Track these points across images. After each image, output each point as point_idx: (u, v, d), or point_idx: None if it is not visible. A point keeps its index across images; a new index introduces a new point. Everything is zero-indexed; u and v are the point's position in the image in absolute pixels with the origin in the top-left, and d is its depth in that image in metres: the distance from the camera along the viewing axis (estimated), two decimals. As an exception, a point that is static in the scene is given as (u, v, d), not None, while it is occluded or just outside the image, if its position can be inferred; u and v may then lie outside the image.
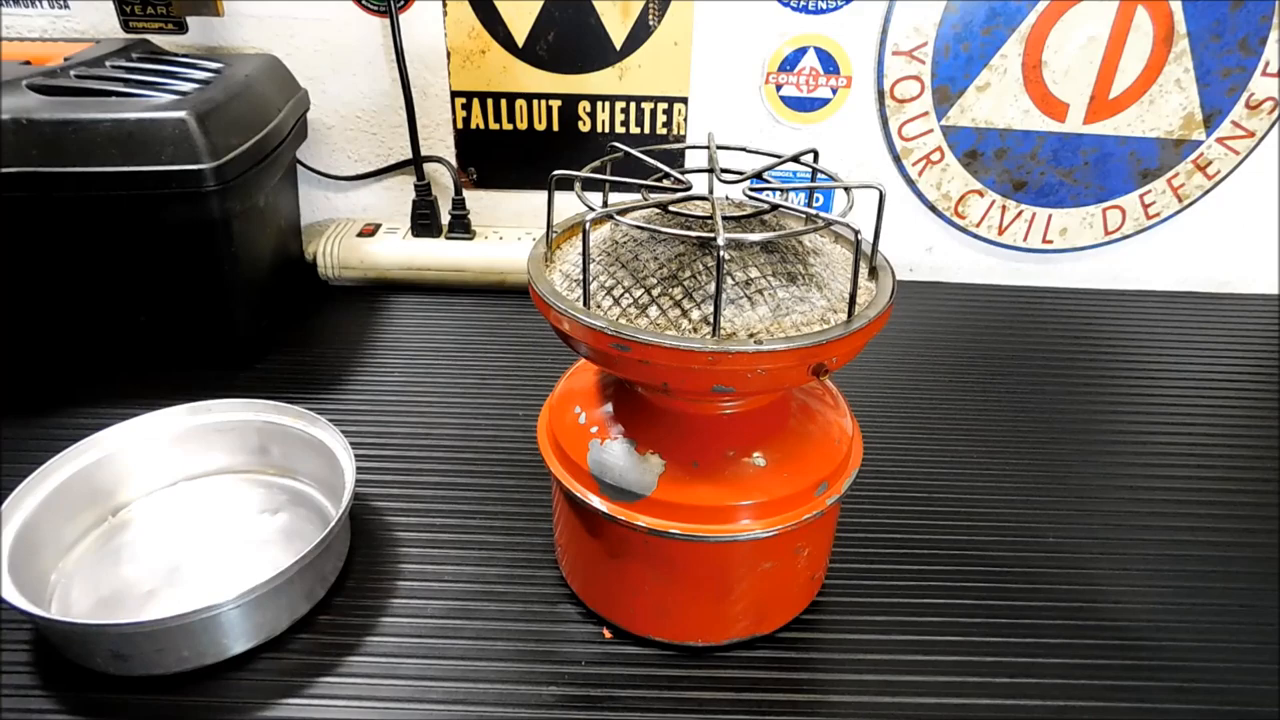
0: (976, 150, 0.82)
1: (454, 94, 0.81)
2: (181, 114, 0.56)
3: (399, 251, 0.81)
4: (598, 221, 0.40)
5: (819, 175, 0.43)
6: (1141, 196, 0.85)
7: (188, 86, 0.62)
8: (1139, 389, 0.70)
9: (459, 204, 0.82)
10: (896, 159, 0.83)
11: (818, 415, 0.44)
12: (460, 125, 0.83)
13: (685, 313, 0.36)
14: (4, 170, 0.55)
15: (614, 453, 0.41)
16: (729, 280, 0.36)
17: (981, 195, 0.85)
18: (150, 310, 0.64)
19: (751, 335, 0.35)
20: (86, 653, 0.42)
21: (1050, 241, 0.87)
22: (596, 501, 0.41)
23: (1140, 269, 0.89)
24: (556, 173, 0.40)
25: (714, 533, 0.40)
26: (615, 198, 0.42)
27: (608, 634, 0.46)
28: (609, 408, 0.43)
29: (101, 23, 0.77)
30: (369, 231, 0.83)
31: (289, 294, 0.78)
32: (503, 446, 0.60)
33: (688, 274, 0.37)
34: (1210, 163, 0.83)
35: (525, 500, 0.55)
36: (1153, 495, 0.58)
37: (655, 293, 0.36)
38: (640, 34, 0.78)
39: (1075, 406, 0.67)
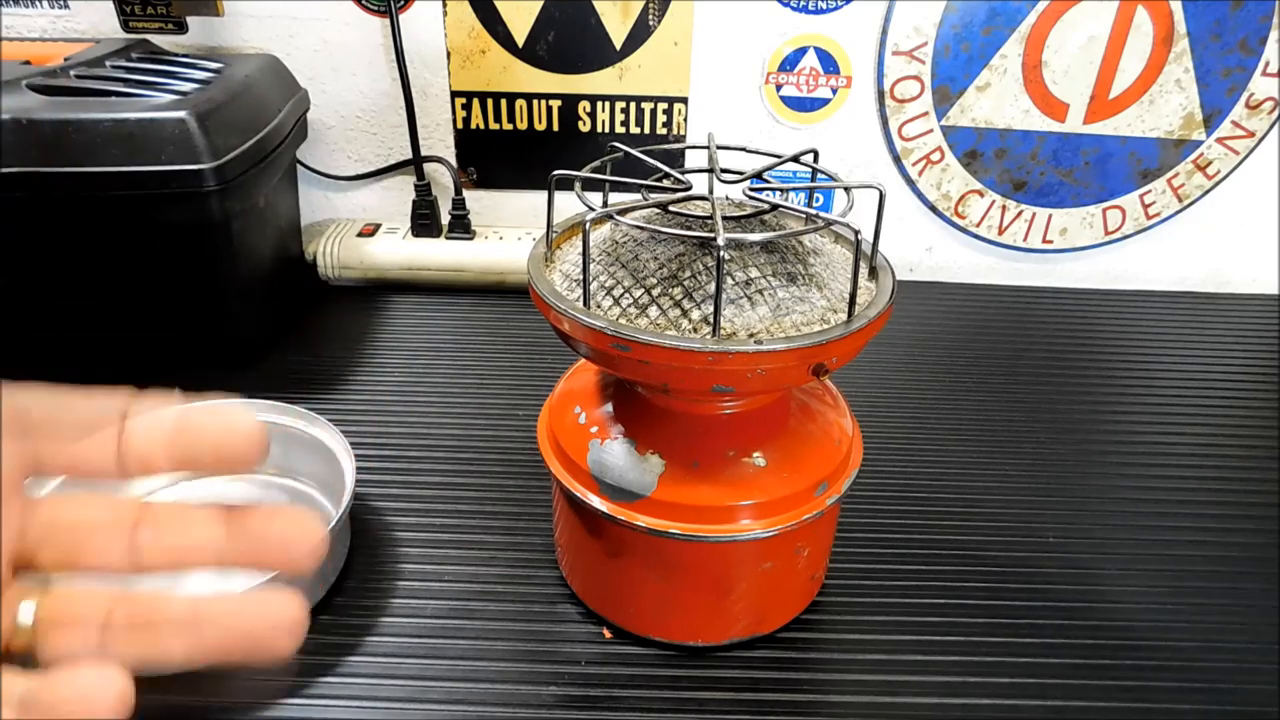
0: (976, 150, 0.82)
1: (454, 94, 0.81)
2: (181, 114, 0.56)
3: (399, 251, 0.81)
4: (598, 221, 0.40)
5: (819, 175, 0.43)
6: (1141, 196, 0.85)
7: (188, 86, 0.62)
8: (1139, 389, 0.70)
9: (459, 204, 0.82)
10: (896, 159, 0.83)
11: (818, 415, 0.44)
12: (460, 125, 0.83)
13: (685, 313, 0.36)
14: (4, 170, 0.55)
15: (614, 453, 0.41)
16: (729, 280, 0.36)
17: (981, 195, 0.85)
18: (150, 310, 0.64)
19: (751, 335, 0.35)
20: (86, 653, 0.42)
21: (1050, 241, 0.87)
22: (596, 501, 0.41)
23: (1140, 269, 0.89)
24: (556, 173, 0.40)
25: (714, 533, 0.40)
26: (615, 198, 0.42)
27: (608, 634, 0.46)
28: (609, 408, 0.43)
29: (101, 23, 0.77)
30: (369, 231, 0.83)
31: (289, 294, 0.78)
32: (503, 446, 0.60)
33: (688, 274, 0.37)
34: (1210, 163, 0.83)
35: (525, 500, 0.55)
36: (1153, 495, 0.58)
37: (655, 293, 0.36)
38: (640, 34, 0.78)
39: (1075, 406, 0.67)
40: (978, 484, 0.58)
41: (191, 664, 0.21)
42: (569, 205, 0.43)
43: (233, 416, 0.22)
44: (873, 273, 0.40)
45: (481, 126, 0.83)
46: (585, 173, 0.41)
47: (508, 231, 0.84)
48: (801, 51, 0.79)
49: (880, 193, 0.38)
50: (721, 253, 0.33)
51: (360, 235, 0.82)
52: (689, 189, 0.41)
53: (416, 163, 0.81)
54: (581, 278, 0.36)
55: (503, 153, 0.84)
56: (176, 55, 0.72)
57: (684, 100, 0.81)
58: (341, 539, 0.49)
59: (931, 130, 0.81)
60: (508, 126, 0.83)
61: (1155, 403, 0.68)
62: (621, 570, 0.43)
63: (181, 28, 0.77)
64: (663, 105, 0.82)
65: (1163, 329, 0.80)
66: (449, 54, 0.79)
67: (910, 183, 0.84)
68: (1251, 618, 0.48)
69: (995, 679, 0.44)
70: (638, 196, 0.40)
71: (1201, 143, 0.82)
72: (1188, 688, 0.44)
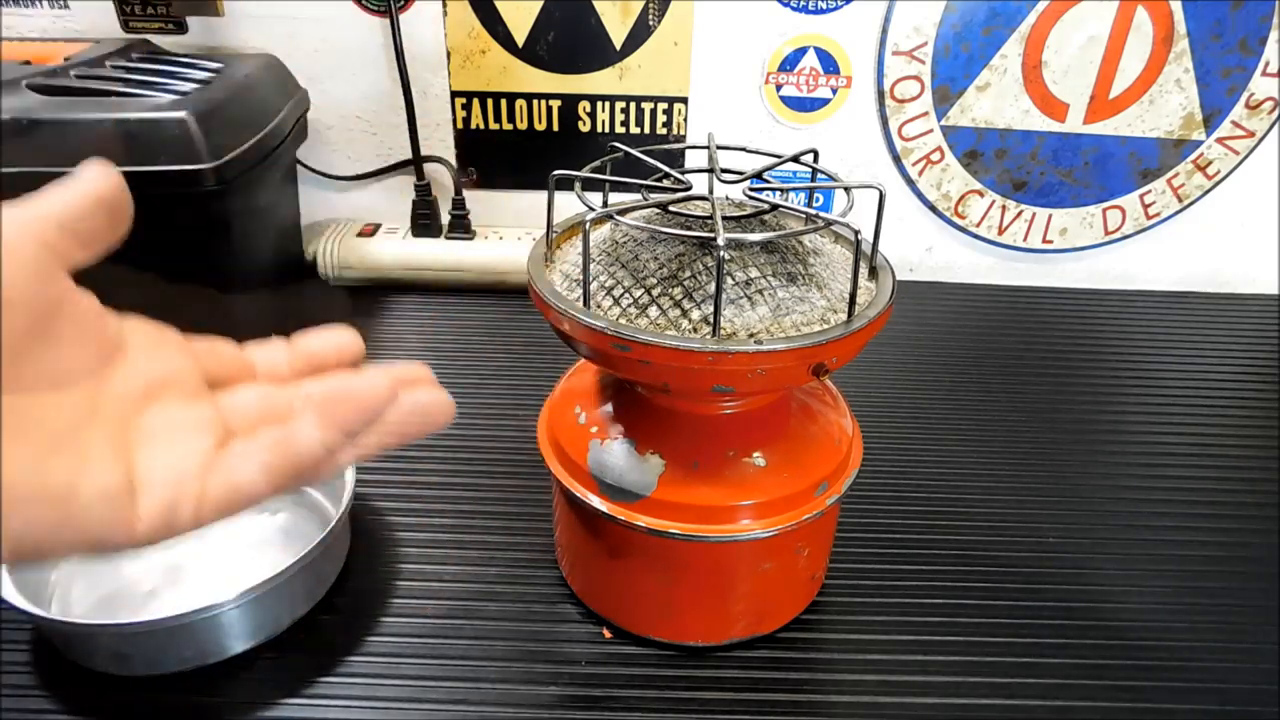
0: (976, 150, 0.82)
1: (454, 94, 0.81)
2: (181, 114, 0.56)
3: (399, 251, 0.81)
4: (598, 221, 0.40)
5: (819, 175, 0.43)
6: (1141, 196, 0.85)
7: (188, 86, 0.62)
8: (1139, 389, 0.70)
9: (459, 204, 0.82)
10: (896, 159, 0.83)
11: (818, 415, 0.44)
12: (460, 125, 0.83)
13: (685, 313, 0.36)
14: (4, 170, 0.54)
15: (614, 453, 0.41)
16: (729, 280, 0.36)
17: (981, 195, 0.85)
18: (149, 311, 0.64)
19: (751, 335, 0.35)
20: (87, 653, 0.42)
21: (1050, 241, 0.87)
22: (596, 501, 0.41)
23: (1140, 269, 0.89)
24: (556, 173, 0.40)
25: (714, 533, 0.40)
26: (615, 198, 0.42)
27: (608, 634, 0.46)
28: (609, 408, 0.43)
29: (101, 23, 0.77)
30: (369, 232, 0.83)
31: (289, 294, 0.78)
32: (503, 446, 0.60)
33: (688, 274, 0.37)
34: (1210, 163, 0.83)
35: (525, 500, 0.55)
36: (1153, 495, 0.58)
37: (655, 293, 0.36)
38: (640, 34, 0.78)
39: (1075, 406, 0.67)
40: (978, 484, 0.58)
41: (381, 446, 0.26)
42: (569, 205, 0.43)
43: (341, 337, 0.30)
44: (873, 273, 0.40)
45: (481, 126, 0.83)
46: (585, 173, 0.41)
47: (508, 231, 0.84)
48: (801, 51, 0.79)
49: (880, 193, 0.38)
50: (721, 253, 0.33)
51: (360, 235, 0.82)
52: (689, 189, 0.41)
53: (416, 163, 0.81)
54: (581, 278, 0.36)
55: (503, 153, 0.84)
56: (176, 55, 0.72)
57: (684, 100, 0.81)
58: (341, 539, 0.49)
59: (931, 130, 0.81)
60: (508, 126, 0.83)
61: (1155, 403, 0.68)
62: (621, 570, 0.43)
63: (181, 28, 0.77)
64: (663, 105, 0.82)
65: (1163, 329, 0.80)
66: (449, 54, 0.79)
67: (910, 183, 0.84)
68: (1251, 618, 0.48)
69: (995, 679, 0.44)
70: (638, 196, 0.40)
71: (1201, 143, 0.82)
72: (1188, 688, 0.44)
